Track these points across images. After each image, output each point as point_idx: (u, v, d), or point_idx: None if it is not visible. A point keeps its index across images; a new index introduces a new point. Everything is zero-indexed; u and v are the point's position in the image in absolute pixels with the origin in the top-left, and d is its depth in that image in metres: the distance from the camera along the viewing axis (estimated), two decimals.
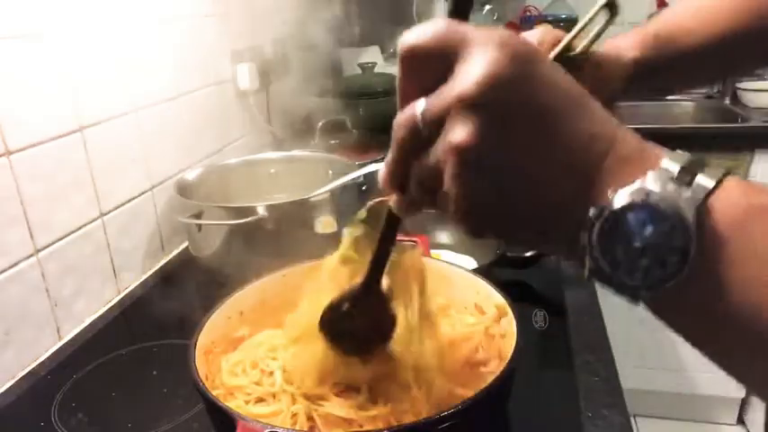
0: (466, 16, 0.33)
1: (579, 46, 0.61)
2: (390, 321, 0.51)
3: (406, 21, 2.03)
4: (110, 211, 0.96)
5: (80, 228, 0.90)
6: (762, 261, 0.27)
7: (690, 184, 0.28)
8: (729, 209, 0.27)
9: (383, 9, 2.11)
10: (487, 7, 2.17)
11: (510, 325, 0.59)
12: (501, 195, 0.30)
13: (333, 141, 1.47)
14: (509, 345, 0.55)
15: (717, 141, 1.75)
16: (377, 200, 0.46)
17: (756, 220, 0.27)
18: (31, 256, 0.81)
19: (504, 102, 0.28)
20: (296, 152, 1.24)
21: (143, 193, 1.05)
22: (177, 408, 0.70)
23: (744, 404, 1.98)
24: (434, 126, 0.30)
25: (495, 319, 0.63)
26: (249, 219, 0.90)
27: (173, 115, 1.14)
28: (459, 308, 0.69)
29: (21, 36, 0.79)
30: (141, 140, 1.04)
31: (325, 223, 0.96)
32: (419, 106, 0.31)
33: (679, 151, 0.29)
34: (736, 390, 1.92)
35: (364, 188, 1.22)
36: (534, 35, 0.64)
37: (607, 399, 0.65)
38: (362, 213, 0.52)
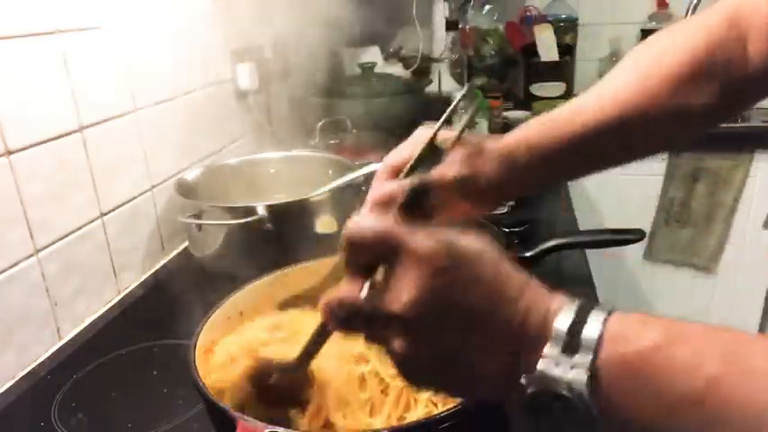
0: (418, 209, 0.40)
1: (451, 138, 0.56)
2: (303, 395, 0.56)
3: (406, 21, 2.03)
4: (110, 211, 0.96)
5: (80, 228, 0.90)
6: (654, 402, 0.31)
7: (578, 350, 0.32)
8: (614, 366, 0.32)
9: (383, 9, 2.11)
10: (487, 7, 2.16)
11: None
12: (431, 376, 0.38)
13: (333, 141, 1.47)
14: None
15: (717, 141, 1.75)
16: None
17: (636, 369, 0.31)
18: (31, 256, 0.81)
19: (428, 318, 0.35)
20: (296, 152, 1.24)
21: (143, 193, 1.05)
22: (177, 408, 0.70)
23: None
24: (374, 318, 0.37)
25: None
26: (249, 219, 0.90)
27: (173, 115, 1.14)
28: None
29: (21, 36, 0.79)
30: (141, 140, 1.04)
31: (325, 223, 0.96)
32: (361, 297, 0.37)
33: (564, 307, 0.34)
34: None
35: (364, 188, 1.22)
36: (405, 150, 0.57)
37: None
38: None
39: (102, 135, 0.93)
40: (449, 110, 0.56)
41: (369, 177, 1.07)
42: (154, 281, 1.06)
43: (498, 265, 0.36)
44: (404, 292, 0.35)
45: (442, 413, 0.47)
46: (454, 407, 0.48)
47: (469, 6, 2.13)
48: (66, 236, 0.87)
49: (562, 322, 0.33)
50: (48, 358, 0.83)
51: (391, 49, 2.09)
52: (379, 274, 0.37)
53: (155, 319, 0.92)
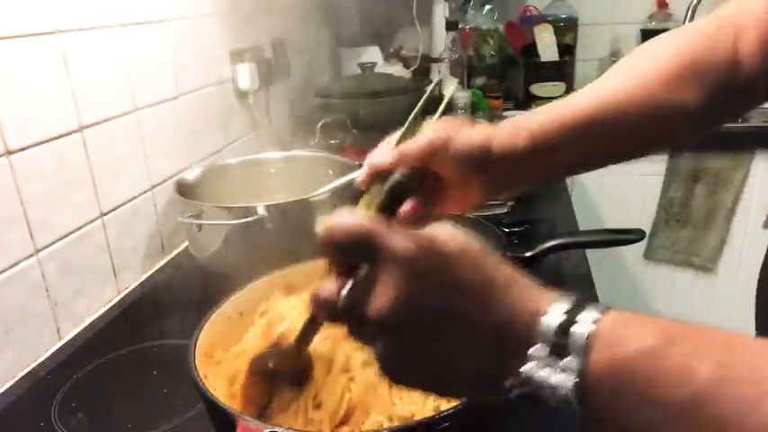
0: (393, 214, 0.41)
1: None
2: (307, 374, 0.57)
3: (406, 21, 2.03)
4: (110, 211, 0.96)
5: (80, 228, 0.90)
6: (640, 406, 0.30)
7: (567, 352, 0.31)
8: (603, 371, 0.31)
9: (383, 9, 2.11)
10: (487, 7, 2.16)
11: None
12: (412, 376, 0.37)
13: (333, 141, 1.47)
14: None
15: (717, 141, 1.75)
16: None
17: (625, 373, 0.30)
18: (31, 256, 0.81)
19: (405, 320, 0.34)
20: (296, 152, 1.24)
21: (143, 193, 1.05)
22: (177, 408, 0.70)
23: None
24: (355, 318, 0.36)
25: None
26: (249, 219, 0.90)
27: (173, 115, 1.14)
28: None
29: (21, 36, 0.79)
30: (141, 140, 1.04)
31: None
32: (340, 296, 0.37)
33: (554, 307, 0.33)
34: None
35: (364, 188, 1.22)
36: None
37: None
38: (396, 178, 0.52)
39: (102, 135, 0.93)
40: (420, 103, 0.56)
41: None
42: (154, 281, 1.06)
43: (481, 265, 0.35)
44: (382, 294, 0.34)
45: (442, 413, 0.47)
46: (454, 407, 0.48)
47: (469, 6, 2.14)
48: (66, 236, 0.87)
49: (551, 322, 0.32)
50: (48, 358, 0.83)
51: (391, 49, 2.08)
52: (362, 271, 0.36)
53: (155, 319, 0.92)
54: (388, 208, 0.44)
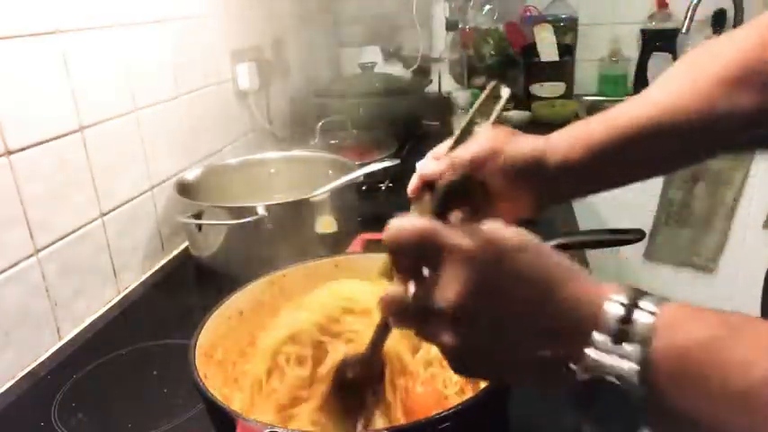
0: (448, 215, 0.41)
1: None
2: (380, 377, 0.57)
3: (406, 21, 2.03)
4: (110, 211, 0.96)
5: (80, 228, 0.90)
6: (705, 394, 0.31)
7: (630, 340, 0.33)
8: (666, 358, 0.32)
9: (383, 9, 2.11)
10: (487, 7, 2.16)
11: None
12: (480, 367, 0.39)
13: (333, 141, 1.48)
14: None
15: None
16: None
17: (689, 361, 0.32)
18: (31, 256, 0.81)
19: (472, 312, 0.36)
20: (296, 152, 1.24)
21: (143, 193, 1.05)
22: (177, 408, 0.70)
23: None
24: (424, 314, 0.38)
25: None
26: (249, 219, 0.90)
27: (173, 115, 1.14)
28: None
29: (21, 36, 0.79)
30: (141, 140, 1.04)
31: (325, 223, 0.97)
32: (409, 293, 0.39)
33: (615, 297, 0.34)
34: None
35: (364, 188, 1.22)
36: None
37: None
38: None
39: (102, 135, 0.93)
40: (472, 110, 0.57)
41: (369, 177, 1.07)
42: (154, 281, 1.06)
43: (541, 257, 0.36)
44: (448, 288, 0.36)
45: (442, 413, 0.47)
46: (454, 407, 0.48)
47: (469, 6, 2.13)
48: (67, 236, 0.87)
49: (613, 311, 0.33)
50: (48, 358, 0.83)
51: (391, 49, 2.09)
52: (426, 273, 0.38)
53: (155, 319, 0.92)
54: (441, 213, 0.44)
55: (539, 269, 0.36)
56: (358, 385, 0.56)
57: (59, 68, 0.85)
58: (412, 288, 0.39)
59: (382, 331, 0.50)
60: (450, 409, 0.47)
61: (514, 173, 0.53)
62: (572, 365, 0.34)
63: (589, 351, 0.33)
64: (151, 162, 1.07)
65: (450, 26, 1.95)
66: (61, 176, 0.85)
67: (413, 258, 0.38)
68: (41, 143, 0.82)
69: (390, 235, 0.38)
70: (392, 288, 0.39)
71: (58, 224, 0.85)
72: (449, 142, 0.56)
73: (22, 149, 0.79)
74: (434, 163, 0.54)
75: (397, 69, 1.99)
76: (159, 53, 1.10)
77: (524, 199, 0.55)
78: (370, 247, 0.78)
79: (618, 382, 0.32)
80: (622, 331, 0.33)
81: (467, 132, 0.56)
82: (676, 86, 0.56)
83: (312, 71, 1.93)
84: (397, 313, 0.40)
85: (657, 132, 0.54)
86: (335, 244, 0.96)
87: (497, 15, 2.17)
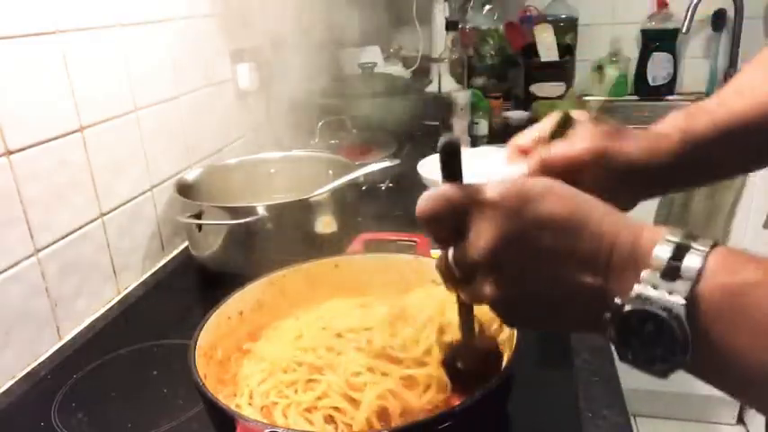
0: (460, 176, 0.41)
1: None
2: (495, 357, 0.57)
3: (406, 21, 2.03)
4: (110, 211, 0.96)
5: (80, 228, 0.90)
6: (750, 333, 0.32)
7: (679, 276, 0.33)
8: (714, 295, 0.32)
9: (383, 9, 2.11)
10: (487, 7, 2.16)
11: None
12: (523, 314, 0.40)
13: (333, 141, 1.48)
14: (509, 344, 0.55)
15: None
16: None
17: (737, 299, 0.32)
18: (31, 256, 0.81)
19: (507, 258, 0.37)
20: (296, 152, 1.24)
21: (143, 193, 1.05)
22: (177, 408, 0.70)
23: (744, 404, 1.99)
24: (465, 272, 0.40)
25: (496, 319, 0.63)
26: (249, 219, 0.90)
27: (173, 115, 1.14)
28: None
29: (21, 36, 0.79)
30: (141, 140, 1.04)
31: (325, 223, 0.97)
32: (449, 257, 0.40)
33: (667, 237, 0.34)
34: None
35: (364, 188, 1.22)
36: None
37: (607, 399, 0.65)
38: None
39: (102, 135, 0.93)
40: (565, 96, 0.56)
41: (369, 177, 1.07)
42: (154, 281, 1.06)
43: (571, 199, 0.37)
44: (480, 240, 0.37)
45: (442, 413, 0.47)
46: (454, 407, 0.48)
47: (469, 6, 2.14)
48: (66, 236, 0.87)
49: (663, 250, 0.34)
50: (48, 358, 0.83)
51: (391, 49, 2.09)
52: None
53: (155, 319, 0.92)
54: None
55: (568, 205, 0.36)
56: (470, 375, 0.54)
57: (59, 68, 0.85)
58: (450, 253, 0.40)
59: (465, 312, 0.50)
60: (450, 409, 0.47)
61: (618, 178, 0.50)
62: (616, 299, 0.34)
63: (637, 286, 0.33)
64: (151, 162, 1.07)
65: (450, 26, 1.94)
66: (61, 177, 0.85)
67: (447, 225, 0.39)
68: (41, 143, 0.82)
69: (421, 208, 0.39)
70: (439, 257, 0.41)
71: (58, 224, 0.85)
72: (547, 123, 0.53)
73: (22, 149, 0.79)
74: (520, 160, 0.52)
75: (397, 69, 1.98)
76: (159, 53, 1.10)
77: (621, 198, 0.49)
78: (370, 247, 0.78)
79: (664, 314, 0.32)
80: (672, 268, 0.33)
81: (565, 124, 0.52)
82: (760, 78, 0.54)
83: (312, 71, 1.92)
84: (448, 280, 0.41)
85: (756, 124, 0.53)
86: (335, 244, 0.96)
87: (497, 15, 2.17)
